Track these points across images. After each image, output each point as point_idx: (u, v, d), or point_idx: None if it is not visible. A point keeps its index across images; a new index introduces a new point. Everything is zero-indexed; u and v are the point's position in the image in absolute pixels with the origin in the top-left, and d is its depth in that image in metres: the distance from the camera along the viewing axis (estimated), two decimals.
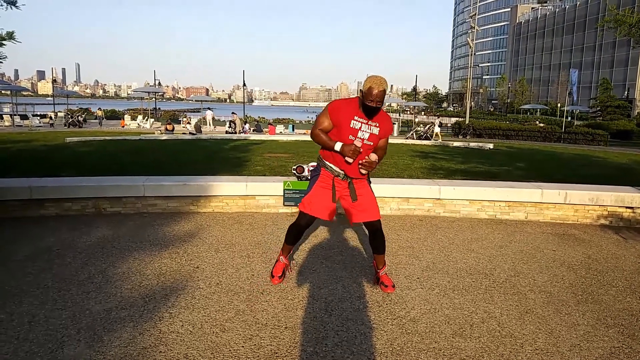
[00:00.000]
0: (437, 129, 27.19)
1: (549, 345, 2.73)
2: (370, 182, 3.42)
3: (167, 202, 5.47)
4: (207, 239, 4.53)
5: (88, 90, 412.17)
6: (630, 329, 2.98)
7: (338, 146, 3.06)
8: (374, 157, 3.13)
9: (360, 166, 3.11)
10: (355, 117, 3.08)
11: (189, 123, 30.35)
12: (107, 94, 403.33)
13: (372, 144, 3.14)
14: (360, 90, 3.05)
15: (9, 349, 2.51)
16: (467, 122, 33.81)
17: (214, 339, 2.67)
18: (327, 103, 3.82)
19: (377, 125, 3.12)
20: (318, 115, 3.21)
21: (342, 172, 3.19)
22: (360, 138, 3.09)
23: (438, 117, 36.93)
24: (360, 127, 3.08)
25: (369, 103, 2.97)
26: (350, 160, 3.09)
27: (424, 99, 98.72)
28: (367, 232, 3.49)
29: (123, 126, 31.10)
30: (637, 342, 2.81)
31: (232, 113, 31.32)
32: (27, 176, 6.25)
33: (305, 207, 3.27)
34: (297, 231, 3.39)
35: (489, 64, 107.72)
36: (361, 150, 3.06)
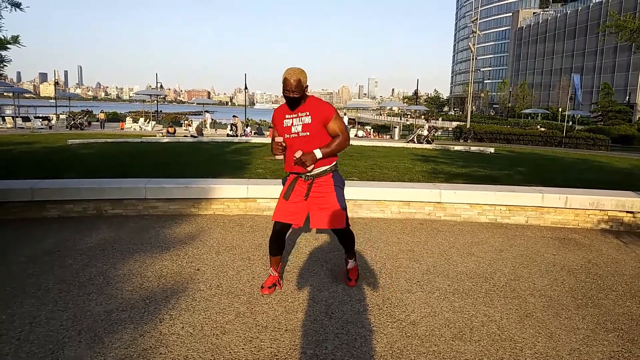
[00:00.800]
0: (424, 132, 27.11)
1: (549, 349, 2.73)
2: (343, 185, 3.31)
3: (168, 204, 5.48)
4: (207, 241, 4.54)
5: (90, 93, 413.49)
6: (630, 333, 2.98)
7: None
8: (298, 154, 3.10)
9: (294, 164, 3.14)
10: (286, 116, 3.15)
11: (190, 125, 30.40)
12: (109, 97, 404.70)
13: (308, 133, 3.11)
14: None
15: (10, 349, 2.52)
16: (468, 126, 33.84)
17: (214, 341, 2.68)
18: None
19: (308, 114, 3.11)
20: None
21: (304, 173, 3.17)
22: (294, 132, 3.11)
23: (427, 121, 37.09)
24: (292, 123, 3.13)
25: (285, 93, 3.04)
26: (279, 157, 3.19)
27: (425, 103, 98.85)
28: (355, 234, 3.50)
29: (122, 128, 31.13)
30: (637, 346, 2.81)
31: (234, 116, 31.38)
32: (28, 178, 6.27)
33: (275, 215, 3.24)
34: (273, 239, 3.28)
35: (490, 69, 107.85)
36: (284, 144, 3.13)
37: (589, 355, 2.68)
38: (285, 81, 3.00)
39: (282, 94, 3.07)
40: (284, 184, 3.34)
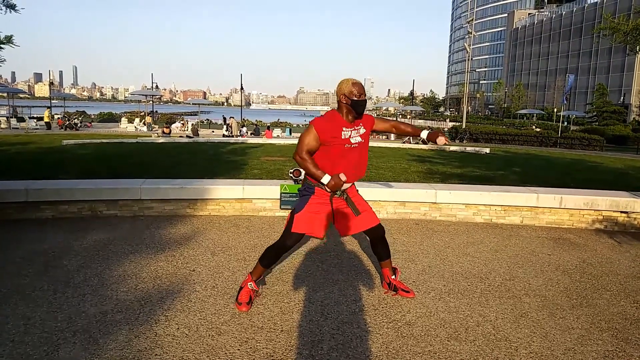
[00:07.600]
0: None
1: (544, 348, 2.74)
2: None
3: (164, 205, 5.47)
4: (203, 242, 4.53)
5: (85, 93, 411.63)
6: (624, 332, 2.99)
7: (326, 179, 3.01)
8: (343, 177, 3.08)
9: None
10: (344, 128, 3.06)
11: (184, 124, 30.22)
12: (104, 97, 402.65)
13: (364, 141, 3.16)
14: (344, 95, 3.02)
15: (4, 351, 2.50)
16: (463, 126, 33.93)
17: (209, 342, 2.68)
18: (325, 107, 3.80)
19: (362, 125, 3.14)
20: (301, 136, 3.05)
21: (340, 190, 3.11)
22: (355, 143, 3.09)
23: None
24: (351, 135, 3.07)
25: (361, 97, 3.02)
26: (329, 190, 3.08)
27: (421, 104, 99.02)
28: (367, 238, 3.41)
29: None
30: (631, 345, 2.83)
31: (230, 117, 31.31)
32: (23, 179, 6.24)
33: (301, 228, 3.05)
34: (279, 253, 3.15)
35: (485, 69, 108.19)
36: (346, 179, 3.04)
37: (584, 355, 2.69)
38: (359, 87, 3.00)
39: (356, 99, 2.98)
40: (304, 199, 3.15)
